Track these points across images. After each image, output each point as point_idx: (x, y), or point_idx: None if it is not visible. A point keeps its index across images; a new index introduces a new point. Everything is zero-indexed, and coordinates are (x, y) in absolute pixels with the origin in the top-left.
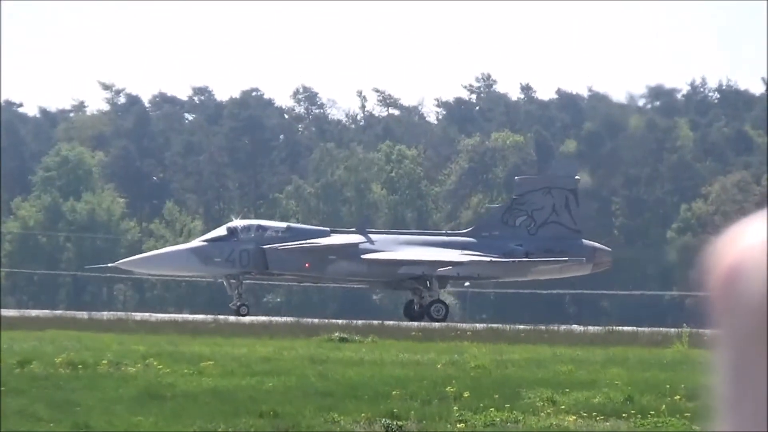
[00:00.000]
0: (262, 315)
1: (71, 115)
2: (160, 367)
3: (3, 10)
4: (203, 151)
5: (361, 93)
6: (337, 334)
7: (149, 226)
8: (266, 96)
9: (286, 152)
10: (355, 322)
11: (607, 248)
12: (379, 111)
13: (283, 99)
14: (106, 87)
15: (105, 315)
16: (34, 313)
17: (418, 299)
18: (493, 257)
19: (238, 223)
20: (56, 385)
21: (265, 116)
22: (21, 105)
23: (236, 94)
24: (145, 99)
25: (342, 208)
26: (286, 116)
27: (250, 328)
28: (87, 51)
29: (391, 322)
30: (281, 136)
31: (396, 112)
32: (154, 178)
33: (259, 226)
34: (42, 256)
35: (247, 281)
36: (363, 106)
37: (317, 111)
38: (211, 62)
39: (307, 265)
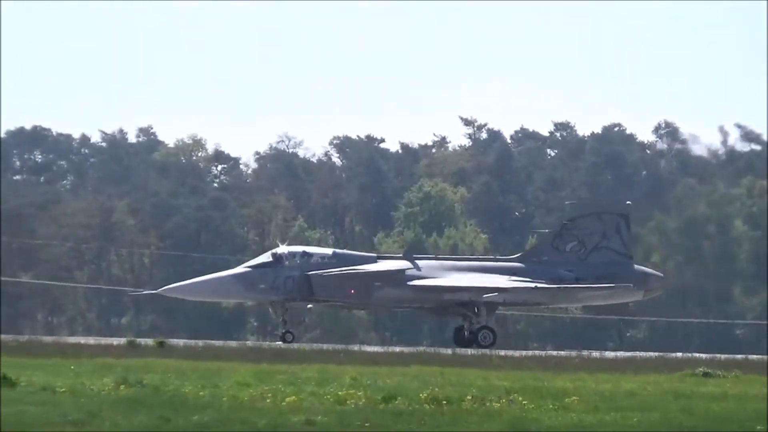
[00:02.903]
0: (627, 350)
1: (433, 150)
2: (525, 402)
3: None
4: (565, 186)
5: (722, 128)
6: (700, 369)
7: None
8: (628, 131)
9: (647, 187)
10: (718, 356)
11: (659, 274)
12: (741, 146)
13: (644, 134)
14: (468, 122)
15: (469, 351)
16: (397, 349)
17: (468, 326)
18: (540, 283)
19: (283, 249)
20: (420, 420)
21: (627, 151)
22: (383, 141)
23: (598, 129)
24: (507, 134)
25: (704, 243)
26: (648, 151)
27: (614, 363)
28: (448, 86)
29: (756, 357)
30: (643, 172)
31: (758, 148)
32: (516, 213)
33: (305, 253)
34: None
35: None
36: (725, 141)
37: (679, 146)
38: (572, 97)
39: (352, 291)
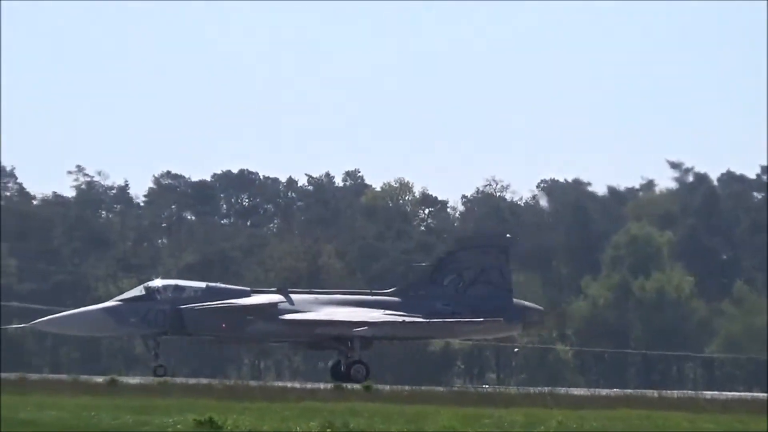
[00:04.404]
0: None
1: (640, 193)
2: None
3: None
4: None
5: None
6: None
7: (719, 305)
8: None
9: None
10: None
11: (539, 307)
12: None
13: None
14: (675, 166)
15: (675, 393)
16: (603, 392)
17: (344, 360)
18: (415, 317)
19: (156, 282)
20: None
21: None
22: (590, 184)
23: None
24: (713, 177)
25: None
26: None
27: None
28: (655, 129)
29: None
30: None
31: None
32: (724, 256)
33: (177, 286)
34: (611, 334)
35: None
36: None
37: None
38: None
39: (223, 325)
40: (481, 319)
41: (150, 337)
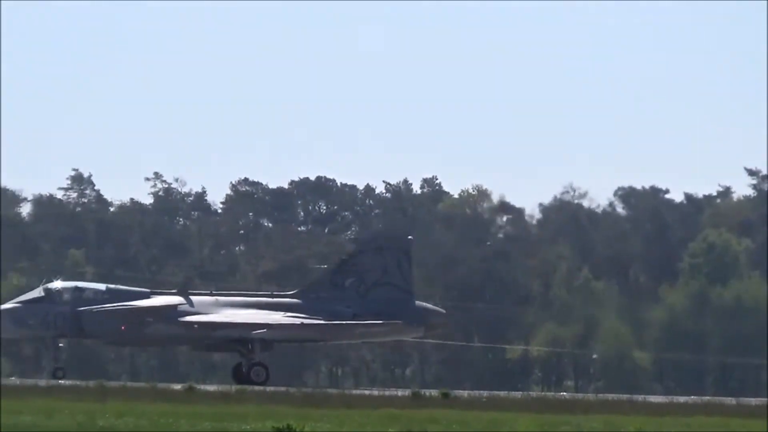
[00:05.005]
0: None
1: (717, 200)
2: None
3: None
4: None
5: None
6: None
7: None
8: None
9: None
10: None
11: (441, 310)
12: None
13: None
14: (752, 173)
15: (752, 401)
16: (681, 399)
17: (245, 362)
18: (316, 319)
19: (55, 284)
20: None
21: None
22: (667, 191)
23: None
24: None
25: None
26: None
27: None
28: (733, 136)
29: None
30: None
31: None
32: None
33: (77, 288)
34: (688, 342)
35: None
36: None
37: None
38: None
39: (122, 327)
40: (380, 322)
41: (49, 340)
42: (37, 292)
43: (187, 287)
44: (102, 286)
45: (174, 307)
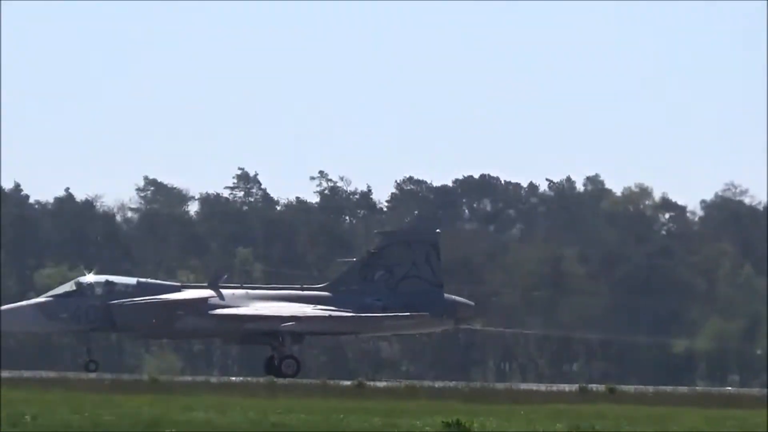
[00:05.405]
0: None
1: None
2: None
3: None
4: None
5: None
6: None
7: None
8: None
9: None
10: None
11: (470, 302)
12: None
13: None
14: None
15: None
16: None
17: (277, 355)
18: (345, 312)
19: (87, 278)
20: None
21: None
22: None
23: None
24: None
25: None
26: None
27: None
28: None
29: None
30: None
31: None
32: None
33: (108, 281)
34: None
35: None
36: None
37: None
38: None
39: (153, 321)
40: (408, 314)
41: (82, 334)
42: (69, 286)
43: (217, 280)
44: (133, 280)
45: (204, 300)
